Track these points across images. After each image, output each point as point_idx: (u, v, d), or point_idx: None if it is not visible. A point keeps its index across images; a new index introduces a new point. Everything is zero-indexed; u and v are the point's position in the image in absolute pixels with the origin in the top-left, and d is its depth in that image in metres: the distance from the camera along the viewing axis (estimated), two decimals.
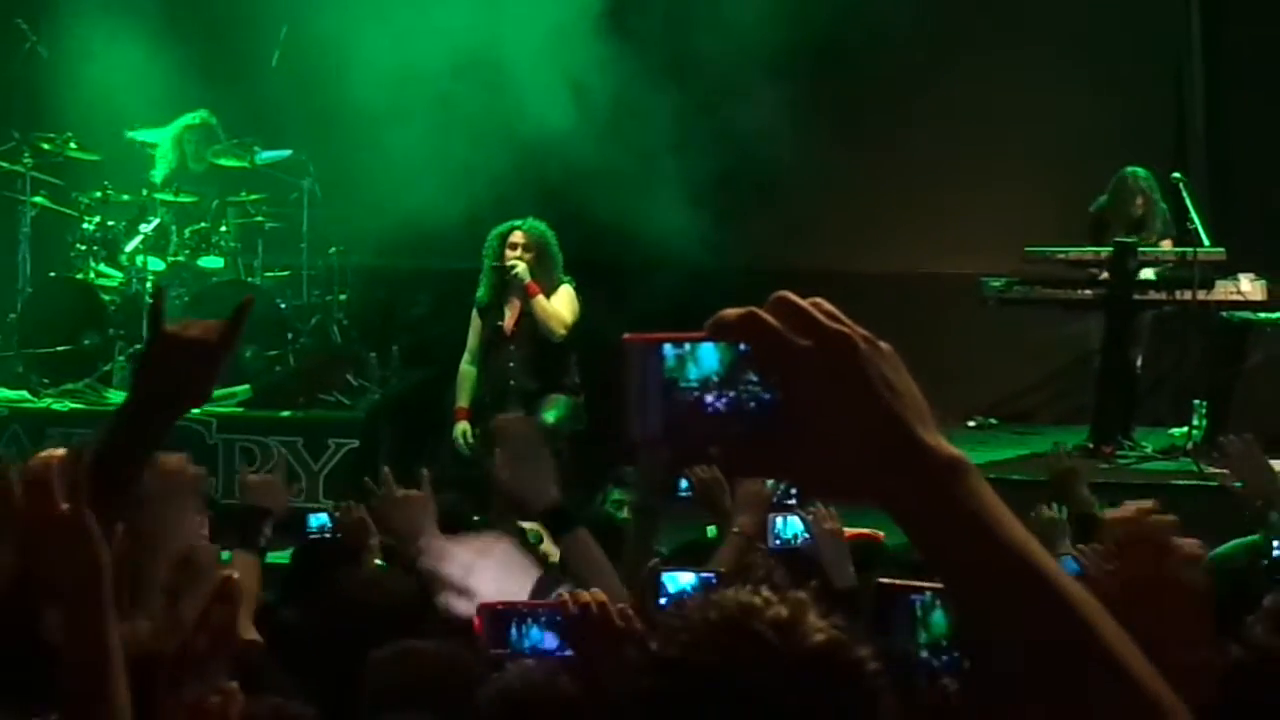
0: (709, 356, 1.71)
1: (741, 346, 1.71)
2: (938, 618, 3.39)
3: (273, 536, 6.12)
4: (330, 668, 4.97)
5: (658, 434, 1.74)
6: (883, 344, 1.73)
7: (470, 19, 13.11)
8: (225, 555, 6.03)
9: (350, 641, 4.86)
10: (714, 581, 4.43)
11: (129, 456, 3.30)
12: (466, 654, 4.24)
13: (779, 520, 6.11)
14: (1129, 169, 12.68)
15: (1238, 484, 6.86)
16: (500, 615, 3.76)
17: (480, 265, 11.68)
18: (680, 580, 4.49)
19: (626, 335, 1.74)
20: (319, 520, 6.89)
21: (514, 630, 3.74)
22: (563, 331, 11.40)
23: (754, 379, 1.70)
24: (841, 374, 1.69)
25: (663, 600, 4.39)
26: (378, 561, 6.48)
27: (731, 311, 1.71)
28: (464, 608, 4.29)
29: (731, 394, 1.71)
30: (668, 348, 1.72)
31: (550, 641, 3.74)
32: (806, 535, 6.12)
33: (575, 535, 4.77)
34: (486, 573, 4.21)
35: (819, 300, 1.73)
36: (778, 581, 5.71)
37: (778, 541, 6.08)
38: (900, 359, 1.74)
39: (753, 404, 1.70)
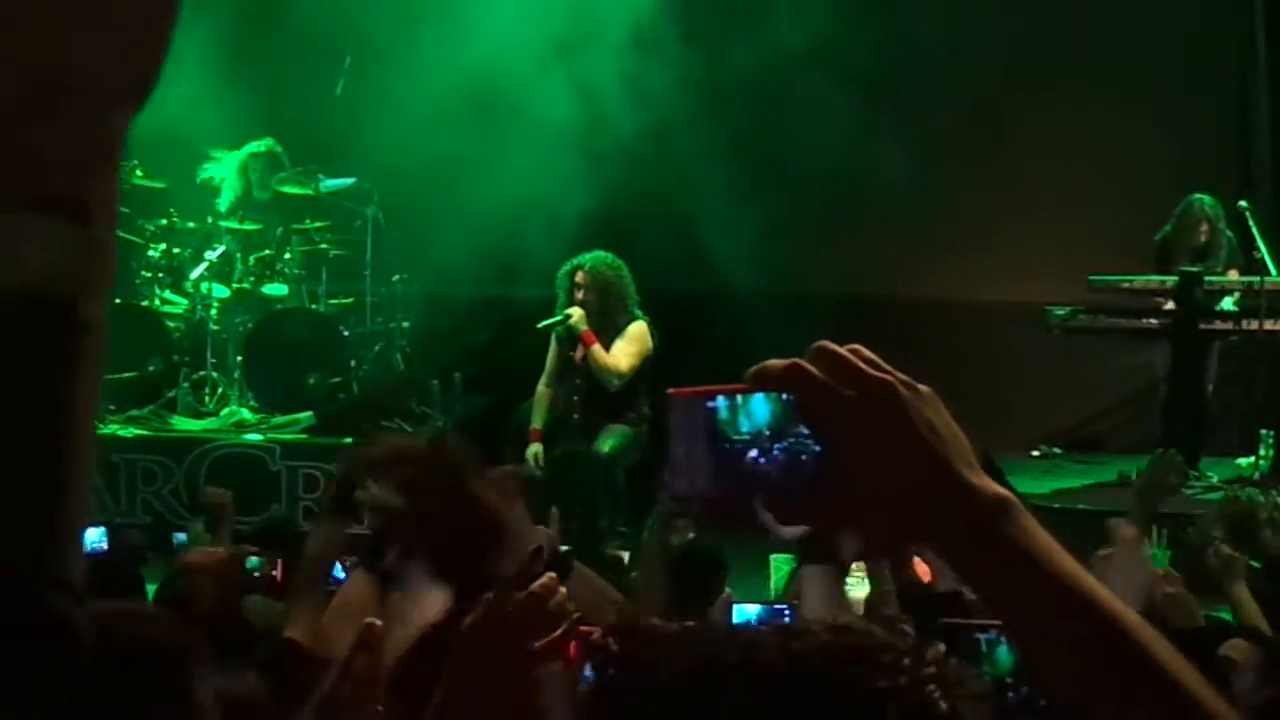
0: (760, 409, 1.71)
1: (785, 397, 1.71)
2: (1003, 653, 3.39)
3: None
4: None
5: (705, 488, 1.74)
6: (922, 387, 1.75)
7: (538, 48, 13.15)
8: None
9: None
10: (785, 612, 4.41)
11: None
12: None
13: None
14: (1195, 196, 12.62)
15: None
16: None
17: (550, 295, 11.66)
18: (747, 610, 4.47)
19: (671, 390, 1.74)
20: None
21: None
22: (617, 382, 11.35)
23: (805, 431, 1.70)
24: (886, 421, 1.71)
25: None
26: None
27: (775, 363, 1.72)
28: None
29: (783, 445, 1.70)
30: (720, 400, 1.72)
31: None
32: None
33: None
34: None
35: (858, 347, 1.74)
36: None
37: None
38: (940, 401, 1.75)
39: (804, 456, 1.70)
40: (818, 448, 1.70)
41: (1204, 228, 12.57)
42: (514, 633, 2.82)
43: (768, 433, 1.70)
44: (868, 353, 1.74)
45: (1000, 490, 1.74)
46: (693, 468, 1.73)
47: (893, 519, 1.73)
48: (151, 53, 1.76)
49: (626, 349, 11.43)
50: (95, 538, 6.10)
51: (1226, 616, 6.44)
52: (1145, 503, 6.80)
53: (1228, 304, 12.29)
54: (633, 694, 1.73)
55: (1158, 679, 1.72)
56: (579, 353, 11.51)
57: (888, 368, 1.73)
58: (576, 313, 11.36)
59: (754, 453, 1.70)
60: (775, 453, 1.70)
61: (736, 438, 1.71)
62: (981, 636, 3.50)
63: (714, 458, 1.71)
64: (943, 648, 3.33)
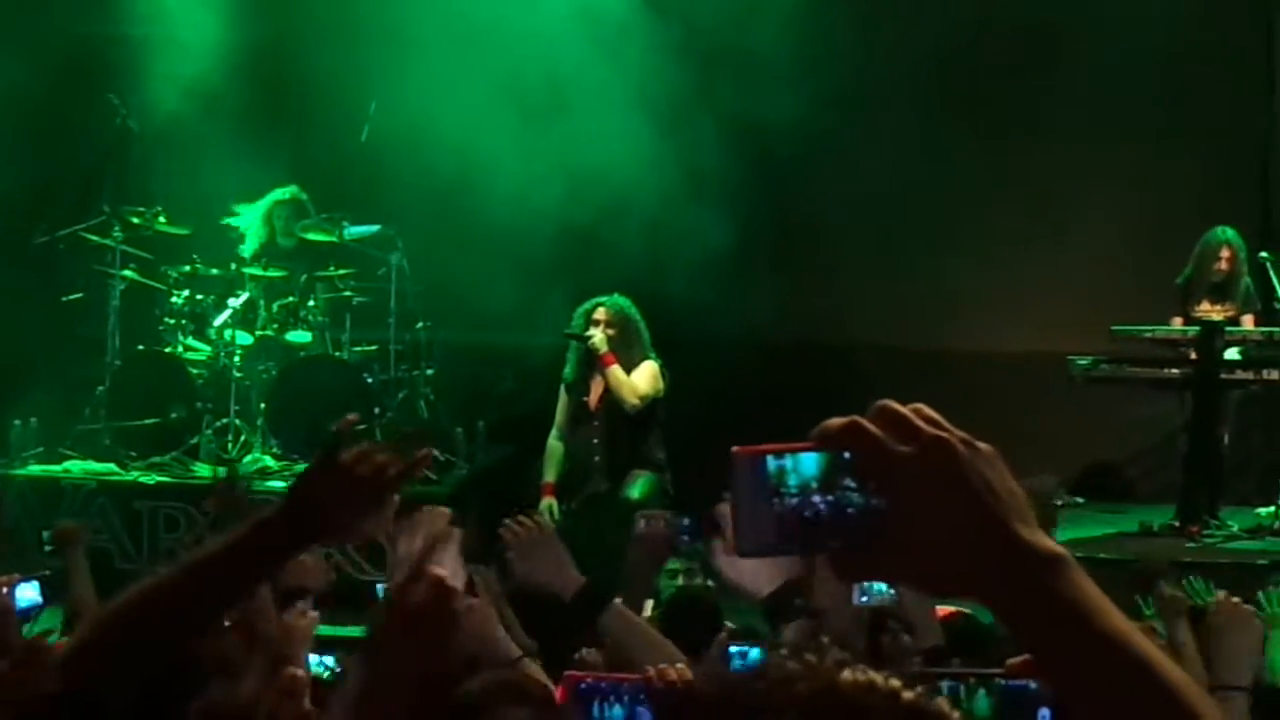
0: (808, 464, 1.75)
1: (843, 454, 1.75)
2: (981, 700, 3.40)
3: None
4: None
5: (769, 544, 1.77)
6: (982, 445, 1.78)
7: (559, 98, 13.20)
8: None
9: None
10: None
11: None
12: None
13: None
14: (1216, 228, 12.61)
15: None
16: (583, 690, 3.75)
17: (567, 342, 11.71)
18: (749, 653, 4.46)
19: (735, 448, 1.78)
20: None
21: (596, 707, 3.72)
22: (635, 401, 11.37)
23: (851, 484, 1.74)
24: (943, 478, 1.74)
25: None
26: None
27: (835, 421, 1.76)
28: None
29: (830, 499, 1.74)
30: (770, 459, 1.76)
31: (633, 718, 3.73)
32: (890, 591, 5.98)
33: (612, 610, 4.77)
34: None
35: (920, 406, 1.78)
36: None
37: (864, 598, 5.95)
38: (999, 458, 1.78)
39: (850, 509, 1.74)
40: (862, 501, 1.74)
41: (1225, 254, 12.54)
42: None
43: (814, 485, 1.74)
44: (929, 411, 1.78)
45: (1054, 546, 1.78)
46: (756, 525, 1.77)
47: (946, 572, 1.76)
48: None
49: (643, 375, 11.45)
50: (29, 595, 5.87)
51: None
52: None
53: (1233, 354, 12.23)
54: None
55: None
56: (594, 395, 11.53)
57: (948, 426, 1.77)
58: (599, 334, 11.38)
59: (807, 505, 1.74)
60: (821, 506, 1.74)
61: (785, 492, 1.75)
62: (948, 684, 3.49)
63: (772, 514, 1.75)
64: None
